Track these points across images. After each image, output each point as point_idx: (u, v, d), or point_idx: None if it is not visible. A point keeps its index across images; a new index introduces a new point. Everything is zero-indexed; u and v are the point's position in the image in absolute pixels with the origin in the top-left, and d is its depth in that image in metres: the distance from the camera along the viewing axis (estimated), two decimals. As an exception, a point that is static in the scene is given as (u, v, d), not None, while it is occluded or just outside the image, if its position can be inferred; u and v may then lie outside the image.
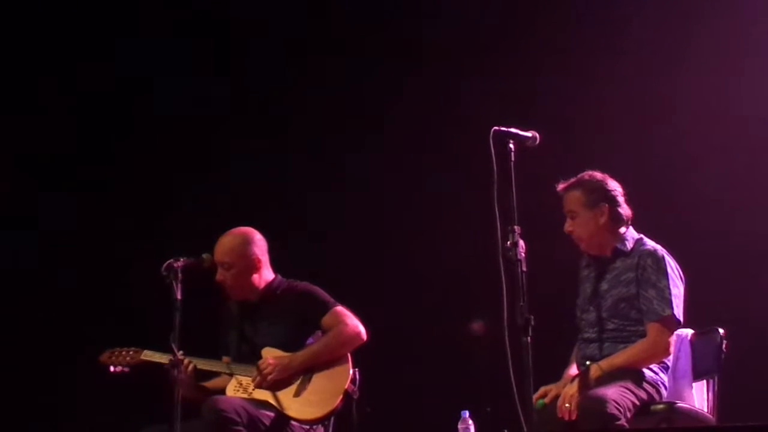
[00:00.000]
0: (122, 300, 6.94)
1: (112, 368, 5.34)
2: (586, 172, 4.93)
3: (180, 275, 4.90)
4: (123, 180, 7.30)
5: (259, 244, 5.41)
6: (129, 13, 7.37)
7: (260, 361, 5.18)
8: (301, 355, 5.19)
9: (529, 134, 4.55)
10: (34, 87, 7.36)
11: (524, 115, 4.81)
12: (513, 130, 4.50)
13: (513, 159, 4.44)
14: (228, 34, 7.37)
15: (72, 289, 7.08)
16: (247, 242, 5.38)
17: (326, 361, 5.18)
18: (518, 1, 7.06)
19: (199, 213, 7.01)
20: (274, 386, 5.14)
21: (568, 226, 4.92)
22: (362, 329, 5.25)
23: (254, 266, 5.35)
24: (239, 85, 7.33)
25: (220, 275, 5.32)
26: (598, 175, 4.92)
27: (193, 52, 7.33)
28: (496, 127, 4.46)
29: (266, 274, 5.43)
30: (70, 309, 7.05)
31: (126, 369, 5.33)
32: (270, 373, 5.13)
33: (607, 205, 4.87)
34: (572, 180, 4.93)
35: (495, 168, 4.36)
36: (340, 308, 5.28)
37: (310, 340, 5.31)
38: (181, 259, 4.96)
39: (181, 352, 5.01)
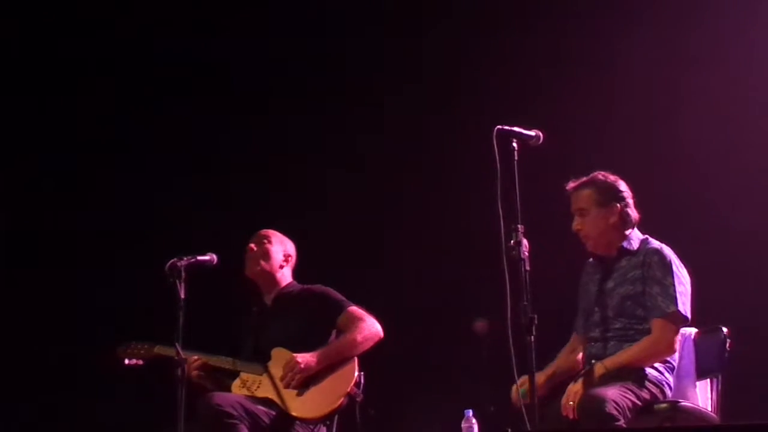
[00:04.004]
0: (126, 300, 6.94)
1: (126, 361, 5.40)
2: (598, 172, 4.93)
3: (183, 274, 4.90)
4: (125, 179, 7.31)
5: (294, 250, 5.60)
6: (130, 14, 7.39)
7: (288, 360, 5.16)
8: (324, 352, 5.19)
9: (532, 133, 4.55)
10: (36, 85, 7.39)
11: (528, 113, 4.81)
12: (516, 128, 4.51)
13: (516, 158, 4.45)
14: (227, 33, 7.38)
15: (74, 289, 7.08)
16: (287, 240, 5.59)
17: (340, 361, 5.18)
18: (522, -1, 7.09)
19: (203, 213, 7.01)
20: (302, 385, 5.15)
21: (576, 224, 4.90)
22: (379, 327, 5.29)
23: (286, 254, 5.53)
24: (241, 86, 7.34)
25: (255, 244, 5.47)
26: (611, 176, 4.92)
27: (193, 52, 7.34)
28: (499, 126, 4.47)
29: (288, 275, 5.55)
30: (73, 309, 7.06)
31: (140, 362, 5.39)
32: (300, 372, 5.12)
33: (618, 205, 4.87)
34: (584, 179, 4.92)
35: (498, 167, 4.37)
36: (354, 308, 5.32)
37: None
38: (185, 258, 4.97)
39: (196, 357, 5.17)
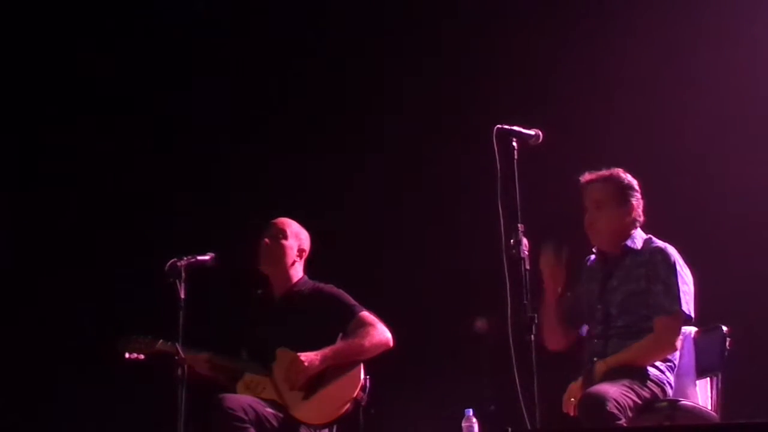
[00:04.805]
0: (126, 300, 6.94)
1: (127, 355, 5.36)
2: (616, 168, 4.90)
3: (183, 274, 4.90)
4: (126, 179, 7.31)
5: (308, 242, 5.52)
6: (130, 19, 7.40)
7: (292, 360, 5.12)
8: (328, 351, 5.14)
9: (532, 132, 4.56)
10: (36, 85, 7.40)
11: (528, 113, 4.81)
12: (516, 128, 4.52)
13: (516, 157, 4.45)
14: (228, 35, 7.38)
15: (74, 289, 7.08)
16: (302, 231, 5.51)
17: (345, 364, 5.15)
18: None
19: (203, 213, 7.01)
20: (305, 385, 5.12)
21: (590, 216, 4.88)
22: (390, 336, 5.26)
23: (300, 249, 5.45)
24: (241, 87, 7.34)
25: (270, 239, 5.39)
26: (629, 175, 4.92)
27: (194, 50, 7.35)
28: (499, 125, 4.47)
29: (300, 270, 5.48)
30: (72, 310, 7.06)
31: (140, 356, 5.36)
32: (304, 371, 5.09)
33: (633, 203, 4.87)
34: (604, 172, 4.90)
35: (498, 166, 4.37)
36: (366, 313, 5.27)
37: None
38: (185, 258, 4.96)
39: (205, 355, 5.16)
